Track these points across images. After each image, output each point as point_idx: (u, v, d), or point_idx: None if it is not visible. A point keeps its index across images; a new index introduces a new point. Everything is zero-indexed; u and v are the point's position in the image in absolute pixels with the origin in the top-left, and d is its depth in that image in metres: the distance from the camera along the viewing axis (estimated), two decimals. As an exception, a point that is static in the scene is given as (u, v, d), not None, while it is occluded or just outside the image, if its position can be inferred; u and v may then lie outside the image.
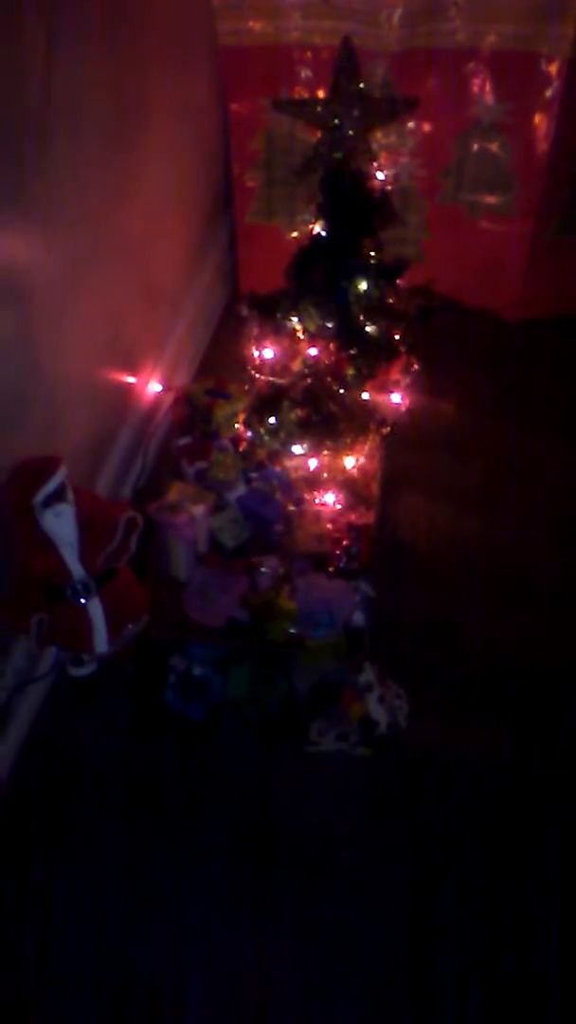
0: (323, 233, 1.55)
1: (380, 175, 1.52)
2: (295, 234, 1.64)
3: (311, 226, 1.56)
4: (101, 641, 1.49)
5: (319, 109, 1.49)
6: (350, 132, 1.46)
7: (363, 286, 1.53)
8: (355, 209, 1.47)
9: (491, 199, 2.41)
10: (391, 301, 1.59)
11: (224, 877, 1.42)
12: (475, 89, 2.21)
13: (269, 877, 1.42)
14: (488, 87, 2.20)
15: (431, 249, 2.50)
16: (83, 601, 1.44)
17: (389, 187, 1.52)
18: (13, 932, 1.36)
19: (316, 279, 1.54)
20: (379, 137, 1.59)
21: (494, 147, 2.30)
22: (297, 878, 1.42)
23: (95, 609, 1.46)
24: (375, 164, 1.52)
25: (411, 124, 2.27)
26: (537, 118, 2.22)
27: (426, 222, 2.49)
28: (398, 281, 1.59)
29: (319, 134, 1.54)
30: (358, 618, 1.67)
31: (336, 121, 1.45)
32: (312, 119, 1.50)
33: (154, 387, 2.14)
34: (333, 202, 1.48)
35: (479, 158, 2.34)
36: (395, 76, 2.15)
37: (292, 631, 1.64)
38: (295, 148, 2.33)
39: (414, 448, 2.12)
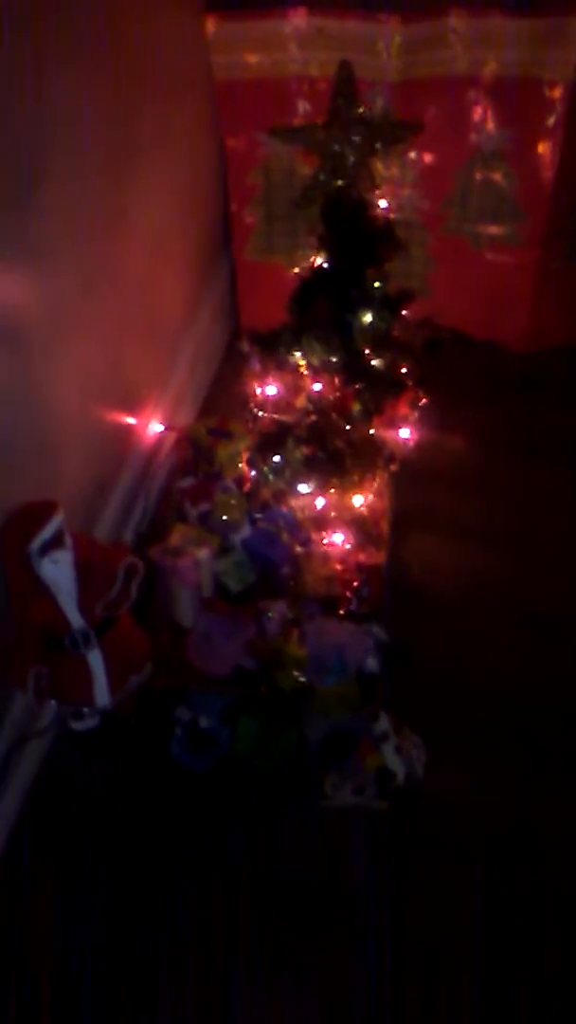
0: (325, 265, 1.54)
1: (383, 203, 1.51)
2: (296, 270, 1.63)
3: (312, 258, 1.55)
4: (102, 694, 1.47)
5: (318, 135, 1.48)
6: (351, 159, 1.45)
7: (368, 318, 1.52)
8: (357, 238, 1.46)
9: (495, 229, 2.42)
10: (396, 334, 1.57)
11: (236, 936, 1.39)
12: (476, 117, 2.22)
13: (283, 937, 1.39)
14: (490, 115, 2.21)
15: (436, 282, 2.50)
16: (83, 652, 1.42)
17: (392, 215, 1.50)
18: (16, 994, 1.34)
19: (319, 312, 1.52)
20: (380, 169, 1.59)
21: (497, 176, 2.31)
22: (313, 938, 1.39)
23: (95, 660, 1.44)
24: (377, 192, 1.51)
25: (412, 155, 2.29)
26: (540, 145, 2.23)
27: (430, 255, 2.49)
28: (403, 313, 1.57)
29: (319, 163, 1.53)
30: (371, 664, 1.64)
31: (336, 147, 1.44)
32: (311, 146, 1.49)
33: (155, 427, 2.13)
34: (334, 232, 1.47)
35: (482, 188, 2.34)
36: (395, 106, 2.16)
37: (302, 679, 1.62)
38: (294, 182, 2.34)
39: (424, 485, 2.10)
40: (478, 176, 2.32)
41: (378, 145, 1.44)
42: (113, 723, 1.61)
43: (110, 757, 1.61)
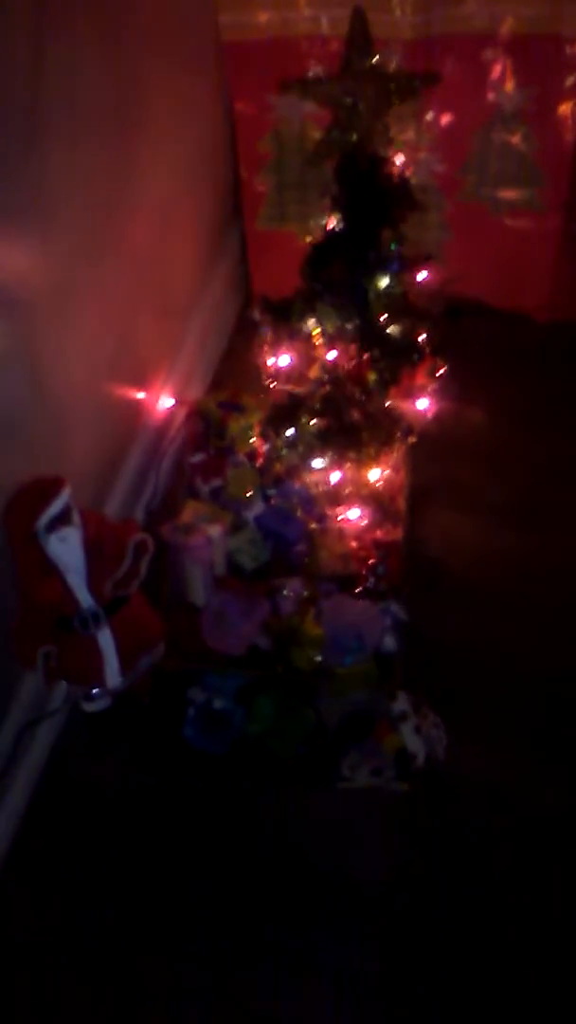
0: (339, 227, 1.50)
1: (399, 159, 1.47)
2: (309, 239, 1.60)
3: (326, 220, 1.52)
4: (113, 674, 1.46)
5: (330, 88, 1.42)
6: (365, 113, 1.40)
7: (384, 282, 1.49)
8: (373, 197, 1.43)
9: (515, 194, 2.37)
10: (413, 300, 1.54)
11: (248, 923, 1.38)
12: (495, 77, 2.18)
13: (298, 924, 1.37)
14: (508, 74, 2.16)
15: (453, 250, 2.46)
16: (92, 631, 1.40)
17: (409, 172, 1.46)
18: (21, 984, 1.33)
19: (333, 277, 1.49)
20: (394, 132, 1.56)
21: (516, 138, 2.27)
22: (328, 925, 1.37)
23: (105, 640, 1.43)
24: (393, 147, 1.46)
25: (428, 116, 2.24)
26: (561, 106, 2.17)
27: (446, 221, 2.46)
28: (421, 276, 1.54)
29: (331, 118, 1.48)
30: (389, 643, 1.63)
31: (349, 100, 1.40)
32: (323, 99, 1.44)
33: (165, 401, 2.12)
34: (349, 190, 1.43)
35: (501, 151, 2.30)
36: (410, 65, 2.11)
37: (318, 658, 1.60)
38: (305, 149, 2.30)
39: (442, 458, 2.09)
40: (496, 138, 2.28)
41: (393, 98, 1.39)
42: (125, 704, 1.61)
43: (122, 739, 1.60)
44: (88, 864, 1.45)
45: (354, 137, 1.42)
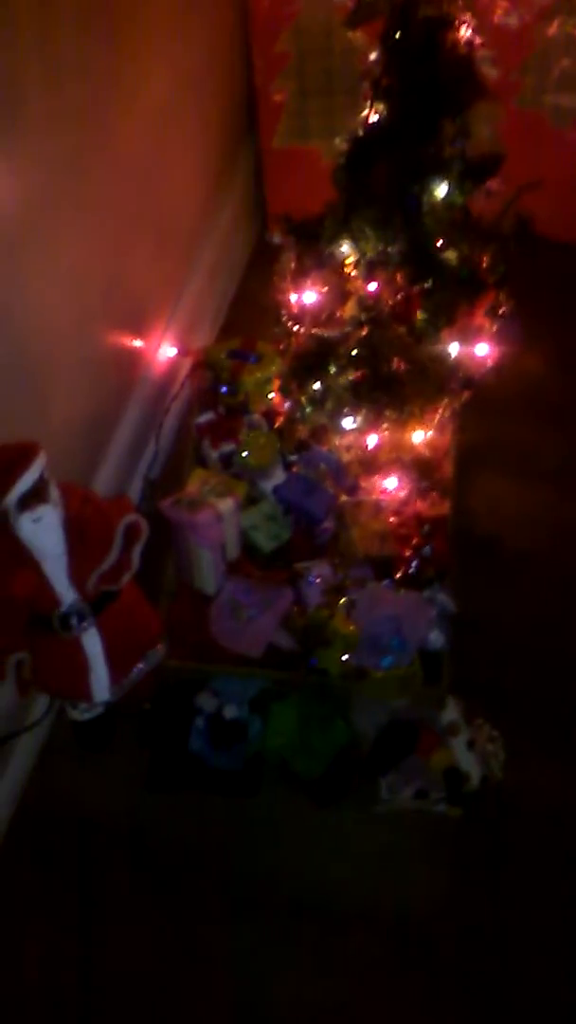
0: (383, 119, 1.34)
1: (466, 26, 1.28)
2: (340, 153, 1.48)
3: (366, 113, 1.35)
4: (100, 685, 1.38)
5: None
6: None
7: (441, 191, 1.33)
8: (432, 77, 1.24)
9: None
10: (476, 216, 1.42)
11: (270, 967, 1.34)
12: None
13: (324, 969, 1.33)
14: None
15: (505, 168, 2.29)
16: (75, 632, 1.31)
17: (479, 43, 1.27)
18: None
19: (375, 184, 1.34)
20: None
21: None
22: (365, 970, 1.32)
23: (91, 642, 1.33)
24: (460, 5, 1.27)
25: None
26: None
27: (498, 133, 2.26)
28: (489, 184, 1.39)
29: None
30: (436, 639, 1.56)
31: None
32: None
33: (167, 350, 2.03)
34: (400, 67, 1.25)
35: (568, 47, 2.14)
36: None
37: (351, 660, 1.54)
38: (332, 47, 2.19)
39: (495, 415, 1.99)
40: (562, 33, 2.13)
41: None
42: (121, 711, 1.53)
43: (117, 752, 1.55)
44: (77, 898, 1.41)
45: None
